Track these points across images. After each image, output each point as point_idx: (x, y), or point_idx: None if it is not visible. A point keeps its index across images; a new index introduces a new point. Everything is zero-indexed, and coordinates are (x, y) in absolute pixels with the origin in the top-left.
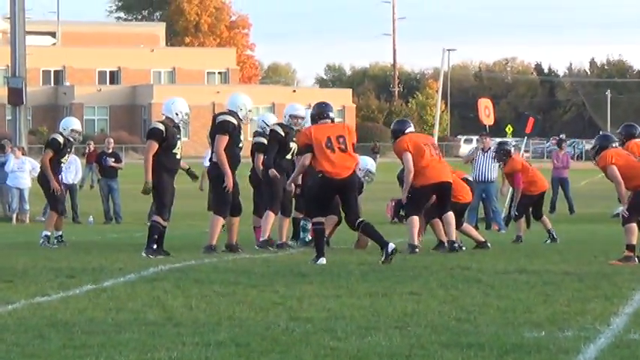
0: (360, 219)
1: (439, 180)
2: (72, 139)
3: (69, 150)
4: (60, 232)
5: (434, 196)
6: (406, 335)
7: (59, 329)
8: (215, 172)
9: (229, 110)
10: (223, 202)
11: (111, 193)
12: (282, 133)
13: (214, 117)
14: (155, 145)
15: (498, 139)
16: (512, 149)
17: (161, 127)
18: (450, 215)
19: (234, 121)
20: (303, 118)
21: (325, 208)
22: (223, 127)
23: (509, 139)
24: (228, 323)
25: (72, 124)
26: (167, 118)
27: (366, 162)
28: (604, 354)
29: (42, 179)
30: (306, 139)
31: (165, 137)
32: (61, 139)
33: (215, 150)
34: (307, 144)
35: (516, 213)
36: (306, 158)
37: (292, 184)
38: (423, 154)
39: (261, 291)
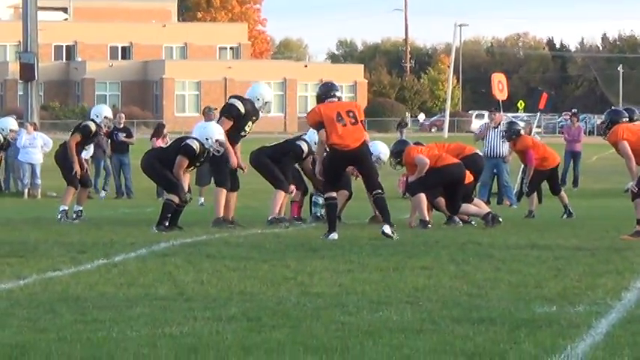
0: (377, 190)
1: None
2: (103, 126)
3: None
4: (81, 207)
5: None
6: (417, 310)
7: (70, 304)
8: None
9: (246, 97)
10: (224, 174)
11: (122, 168)
12: (306, 153)
13: (228, 98)
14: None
15: (510, 114)
16: (522, 127)
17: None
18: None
19: (242, 109)
20: None
21: (337, 182)
22: (230, 112)
23: (521, 114)
24: (240, 298)
25: (104, 110)
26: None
27: (379, 148)
28: (615, 329)
29: (61, 159)
30: (316, 117)
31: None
32: (93, 127)
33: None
34: (318, 121)
35: (527, 189)
36: (322, 134)
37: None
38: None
39: (273, 266)
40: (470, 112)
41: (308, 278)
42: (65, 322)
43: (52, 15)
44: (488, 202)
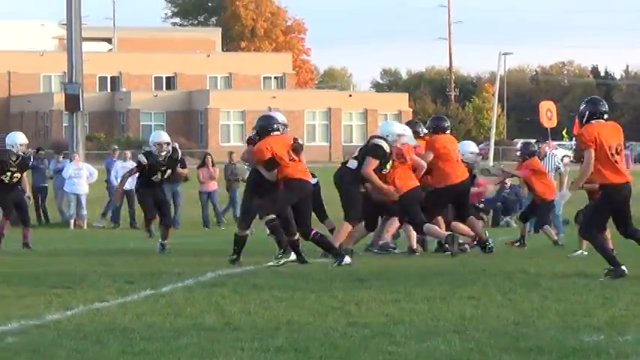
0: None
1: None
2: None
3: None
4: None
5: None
6: (465, 340)
7: (118, 335)
8: (348, 179)
9: (380, 136)
10: (357, 210)
11: (174, 198)
12: (387, 151)
13: (370, 138)
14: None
15: (555, 142)
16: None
17: None
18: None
19: (386, 148)
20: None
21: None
22: (375, 152)
23: (567, 143)
24: (287, 328)
25: (159, 137)
26: None
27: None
28: None
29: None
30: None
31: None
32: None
33: (364, 171)
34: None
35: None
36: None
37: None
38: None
39: (320, 296)
40: (515, 140)
41: (355, 308)
42: (112, 354)
43: (97, 46)
44: (536, 231)
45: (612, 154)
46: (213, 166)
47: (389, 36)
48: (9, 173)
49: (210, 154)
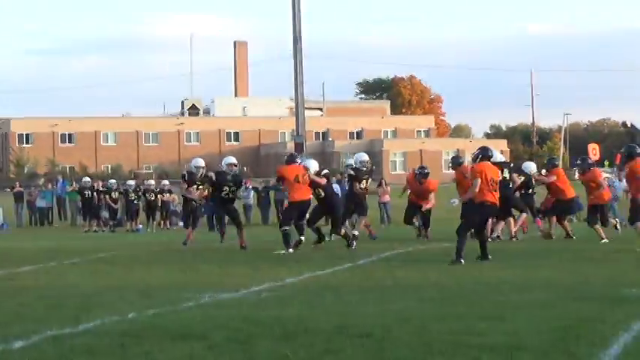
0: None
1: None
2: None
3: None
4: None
5: None
6: (550, 292)
7: (332, 291)
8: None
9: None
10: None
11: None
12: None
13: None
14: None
15: (601, 169)
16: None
17: None
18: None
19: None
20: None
21: None
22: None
23: (608, 169)
24: (435, 286)
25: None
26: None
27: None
28: None
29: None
30: None
31: None
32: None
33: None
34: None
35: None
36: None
37: None
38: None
39: (456, 266)
40: (574, 168)
41: (478, 273)
42: (329, 302)
43: (313, 112)
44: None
45: (490, 184)
46: (386, 185)
47: (494, 103)
48: (226, 188)
49: (383, 179)
